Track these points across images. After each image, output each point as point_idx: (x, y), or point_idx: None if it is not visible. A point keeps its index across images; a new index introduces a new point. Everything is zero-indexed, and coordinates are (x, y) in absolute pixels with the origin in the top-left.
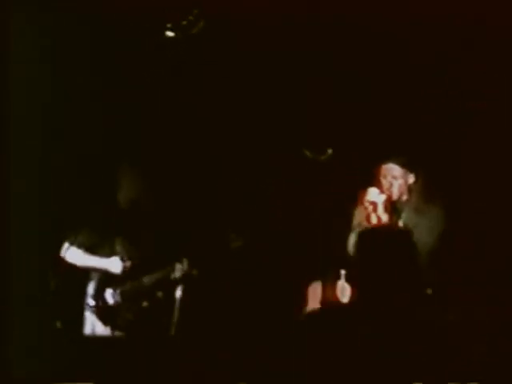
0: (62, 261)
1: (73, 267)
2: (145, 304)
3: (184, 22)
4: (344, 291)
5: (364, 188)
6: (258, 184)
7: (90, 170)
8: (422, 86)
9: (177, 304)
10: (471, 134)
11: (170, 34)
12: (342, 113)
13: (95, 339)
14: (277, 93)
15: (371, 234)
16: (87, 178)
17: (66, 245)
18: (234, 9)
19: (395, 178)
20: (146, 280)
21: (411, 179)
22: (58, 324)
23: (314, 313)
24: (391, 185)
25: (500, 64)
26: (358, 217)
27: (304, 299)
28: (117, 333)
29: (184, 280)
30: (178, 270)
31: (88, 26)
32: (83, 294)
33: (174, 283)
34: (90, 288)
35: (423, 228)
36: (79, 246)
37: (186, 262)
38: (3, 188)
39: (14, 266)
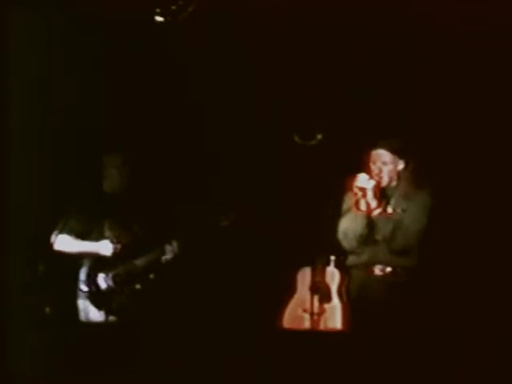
0: (52, 248)
1: (63, 254)
2: (138, 286)
3: (173, 7)
4: (333, 277)
5: (353, 174)
6: (248, 169)
7: (76, 156)
8: (412, 73)
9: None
10: (461, 121)
11: (159, 19)
12: (331, 99)
13: (90, 325)
14: (265, 78)
15: None
16: (74, 164)
17: (56, 232)
18: None
19: (385, 164)
20: (138, 262)
21: (401, 165)
22: (47, 310)
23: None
24: (380, 171)
25: (489, 54)
26: (348, 202)
27: (293, 286)
28: (111, 317)
29: (174, 261)
30: (169, 252)
31: (87, 25)
32: (75, 280)
33: (165, 265)
34: (82, 274)
35: (412, 214)
36: (69, 233)
37: (176, 244)
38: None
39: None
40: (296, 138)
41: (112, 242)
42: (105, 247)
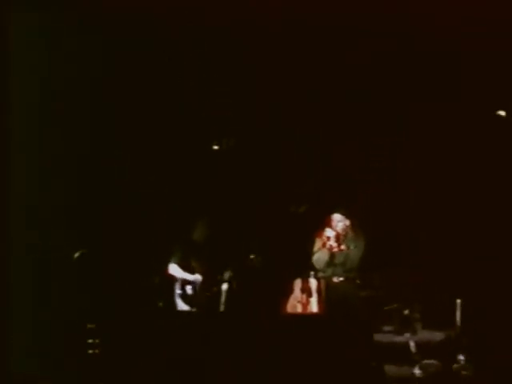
0: (166, 271)
1: (171, 275)
2: (207, 294)
3: None
4: (313, 283)
5: (322, 228)
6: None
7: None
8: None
9: (223, 294)
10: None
11: None
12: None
13: (181, 312)
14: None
15: None
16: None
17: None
18: None
19: (339, 222)
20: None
21: (348, 222)
22: (161, 304)
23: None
24: (337, 226)
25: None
26: (318, 244)
27: (292, 288)
28: (193, 309)
29: (228, 281)
30: (226, 275)
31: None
32: (173, 288)
33: (223, 282)
34: (177, 285)
35: (355, 249)
36: (174, 263)
37: (229, 271)
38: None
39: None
40: (292, 208)
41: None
42: (196, 277)
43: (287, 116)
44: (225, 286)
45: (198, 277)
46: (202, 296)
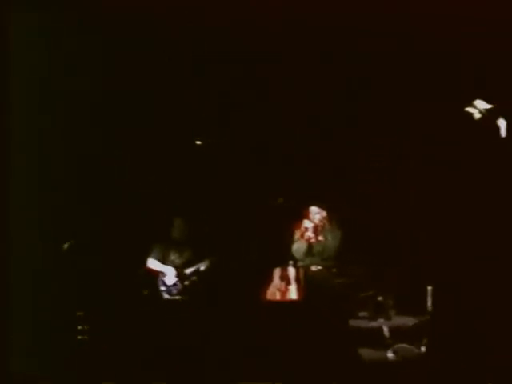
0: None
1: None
2: (187, 283)
3: None
4: (291, 272)
5: (300, 220)
6: (240, 224)
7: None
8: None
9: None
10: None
11: None
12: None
13: (166, 301)
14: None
15: None
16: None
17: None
18: None
19: (316, 214)
20: (187, 271)
21: (324, 214)
22: (145, 292)
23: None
24: (314, 217)
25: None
26: (297, 234)
27: (272, 276)
28: (174, 297)
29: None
30: (204, 266)
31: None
32: (157, 278)
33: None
34: (160, 277)
35: (331, 239)
36: (153, 258)
37: (207, 262)
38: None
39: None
40: (270, 201)
41: (176, 269)
42: (170, 271)
43: (275, 113)
44: (204, 276)
45: (171, 269)
46: (181, 286)
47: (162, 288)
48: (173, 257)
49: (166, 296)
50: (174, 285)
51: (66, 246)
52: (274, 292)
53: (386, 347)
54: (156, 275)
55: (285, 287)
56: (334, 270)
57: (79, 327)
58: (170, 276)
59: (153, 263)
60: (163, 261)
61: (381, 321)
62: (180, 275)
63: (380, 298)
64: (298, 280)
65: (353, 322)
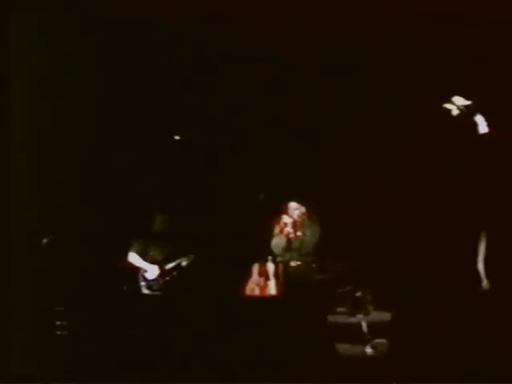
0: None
1: (130, 263)
2: (167, 278)
3: None
4: (270, 268)
5: (279, 216)
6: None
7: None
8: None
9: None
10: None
11: None
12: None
13: (144, 296)
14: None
15: None
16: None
17: (130, 251)
18: None
19: (295, 209)
20: (168, 266)
21: (303, 209)
22: (125, 287)
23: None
24: (293, 213)
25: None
26: (277, 230)
27: (251, 272)
28: (155, 293)
29: (188, 266)
30: (185, 261)
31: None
32: (137, 274)
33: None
34: (140, 272)
35: (309, 235)
36: (134, 251)
37: (190, 258)
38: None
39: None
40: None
41: (159, 266)
42: (153, 268)
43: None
44: (184, 271)
45: (153, 268)
46: (162, 282)
47: (143, 283)
48: (153, 251)
49: (146, 291)
50: (155, 280)
51: (45, 241)
52: (253, 287)
53: (365, 342)
54: (136, 270)
55: (264, 282)
56: (313, 266)
57: (58, 323)
58: (150, 271)
59: (133, 257)
60: (144, 255)
61: (359, 316)
62: (161, 270)
63: (358, 294)
64: (276, 275)
65: (331, 318)
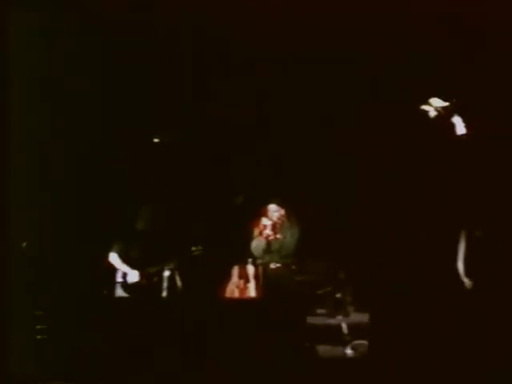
0: (107, 260)
1: (110, 264)
2: (148, 281)
3: None
4: (250, 270)
5: (259, 218)
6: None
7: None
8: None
9: (165, 281)
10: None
11: None
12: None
13: (121, 298)
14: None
15: None
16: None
17: (110, 251)
18: None
19: (275, 212)
20: (151, 270)
21: (282, 212)
22: (105, 291)
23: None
24: (273, 215)
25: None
26: (256, 232)
27: (230, 274)
28: (132, 295)
29: (169, 269)
30: (165, 265)
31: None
32: (115, 277)
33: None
34: (119, 274)
35: (289, 237)
36: (115, 252)
37: (173, 263)
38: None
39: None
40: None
41: (140, 272)
42: (133, 273)
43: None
44: (166, 274)
45: (134, 273)
46: (143, 285)
47: (123, 286)
48: (134, 253)
49: (126, 294)
50: (135, 283)
51: (24, 245)
52: (232, 289)
53: (345, 344)
54: (116, 271)
55: (244, 285)
56: (293, 268)
57: (38, 327)
58: (130, 275)
59: (114, 259)
60: (125, 257)
61: (339, 318)
62: (141, 273)
63: (338, 295)
64: (256, 277)
65: (311, 319)
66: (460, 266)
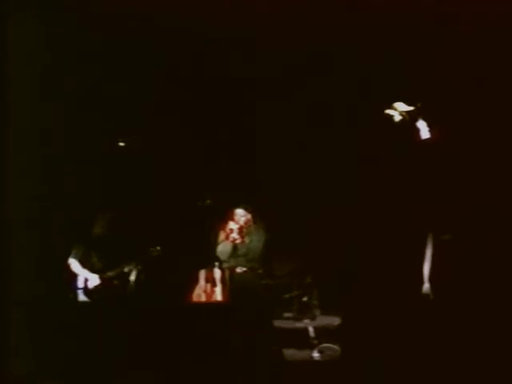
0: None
1: (71, 271)
2: (108, 285)
3: None
4: (217, 274)
5: (226, 222)
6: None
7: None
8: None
9: (131, 284)
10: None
11: None
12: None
13: (82, 303)
14: None
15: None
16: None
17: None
18: None
19: (241, 216)
20: (110, 274)
21: (249, 216)
22: (71, 295)
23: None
24: (239, 219)
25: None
26: (222, 236)
27: (197, 278)
28: (93, 300)
29: (132, 273)
30: (128, 268)
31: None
32: (76, 282)
33: (127, 274)
34: (80, 279)
35: (255, 241)
36: (75, 258)
37: (132, 264)
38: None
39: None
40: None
41: (99, 275)
42: (94, 277)
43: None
44: (131, 278)
45: (94, 277)
46: (103, 289)
47: (82, 290)
48: (94, 258)
49: (85, 298)
50: (95, 287)
51: None
52: (199, 293)
53: (312, 347)
54: (76, 276)
55: (210, 289)
56: (259, 271)
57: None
58: (91, 279)
59: (74, 264)
60: (84, 261)
61: (306, 321)
62: (101, 277)
63: (305, 299)
64: (223, 281)
65: (278, 323)
66: (426, 269)
